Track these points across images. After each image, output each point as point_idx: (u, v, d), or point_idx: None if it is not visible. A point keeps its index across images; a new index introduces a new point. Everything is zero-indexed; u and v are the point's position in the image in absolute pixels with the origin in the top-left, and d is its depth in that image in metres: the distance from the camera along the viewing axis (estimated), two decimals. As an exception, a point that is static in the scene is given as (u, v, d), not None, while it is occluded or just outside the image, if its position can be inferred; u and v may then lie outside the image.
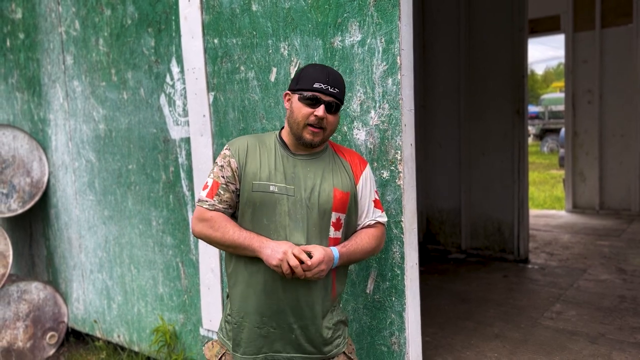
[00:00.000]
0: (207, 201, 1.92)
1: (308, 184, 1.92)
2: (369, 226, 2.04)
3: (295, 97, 1.92)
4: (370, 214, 2.04)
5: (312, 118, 1.87)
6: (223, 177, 1.93)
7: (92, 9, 3.79)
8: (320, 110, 1.87)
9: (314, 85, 1.87)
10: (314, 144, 1.92)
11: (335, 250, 1.89)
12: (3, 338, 4.16)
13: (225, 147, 1.99)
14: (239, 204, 1.94)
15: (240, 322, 1.94)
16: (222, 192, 1.92)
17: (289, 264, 1.78)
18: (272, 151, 1.96)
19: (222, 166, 1.94)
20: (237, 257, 1.95)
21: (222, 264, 3.21)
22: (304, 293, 1.90)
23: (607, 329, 3.79)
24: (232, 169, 1.92)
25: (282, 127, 2.04)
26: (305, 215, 1.89)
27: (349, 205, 1.98)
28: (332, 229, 1.94)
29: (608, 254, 5.82)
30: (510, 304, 4.40)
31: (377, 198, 2.08)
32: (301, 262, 1.79)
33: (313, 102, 1.88)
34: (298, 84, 1.92)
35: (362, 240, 2.00)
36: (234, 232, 1.87)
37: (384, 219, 2.08)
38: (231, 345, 1.98)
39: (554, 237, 6.73)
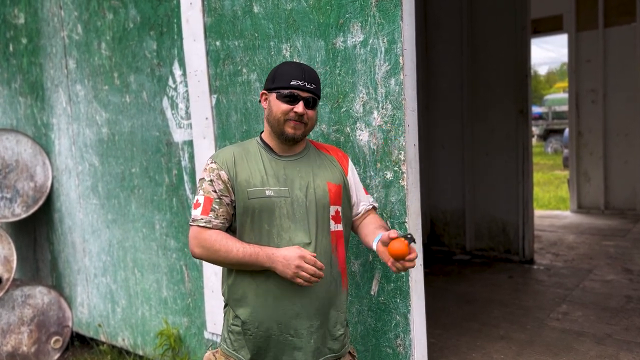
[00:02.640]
0: (202, 219, 1.85)
1: (302, 183, 1.92)
2: (368, 211, 2.12)
3: (273, 95, 1.92)
4: (366, 200, 2.13)
5: (291, 114, 1.89)
6: (215, 191, 1.87)
7: (94, 13, 3.80)
8: (299, 107, 1.88)
9: (291, 83, 1.88)
10: (296, 137, 1.92)
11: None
12: (8, 343, 4.15)
13: (209, 161, 1.93)
14: (236, 215, 1.90)
15: (256, 333, 1.90)
16: (216, 207, 1.86)
17: (307, 272, 1.79)
18: (258, 156, 1.95)
19: (211, 180, 1.88)
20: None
21: (225, 266, 3.21)
22: (314, 291, 1.89)
23: (613, 329, 3.76)
24: (223, 181, 1.88)
25: (262, 132, 2.04)
26: (305, 214, 1.89)
27: (343, 196, 2.01)
28: (332, 222, 1.95)
29: (614, 254, 5.79)
30: (515, 305, 4.38)
31: (363, 185, 2.19)
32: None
33: (291, 99, 1.89)
34: (274, 83, 1.92)
35: (382, 223, 2.06)
36: (237, 250, 1.81)
37: (376, 203, 2.23)
38: (239, 355, 1.93)
39: (559, 238, 6.70)
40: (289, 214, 1.87)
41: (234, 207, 1.90)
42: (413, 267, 1.77)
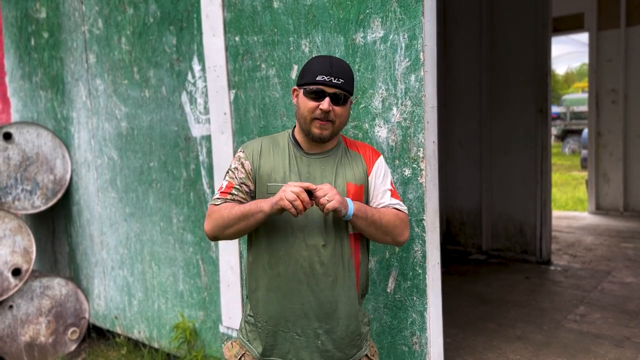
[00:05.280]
0: (219, 199, 1.89)
1: (323, 182, 1.86)
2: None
3: (301, 92, 1.87)
4: (386, 200, 1.94)
5: (317, 112, 1.82)
6: (236, 178, 1.91)
7: (115, 8, 3.83)
8: (325, 103, 1.80)
9: (317, 79, 1.81)
10: (323, 137, 1.87)
11: (349, 200, 1.80)
12: (26, 333, 4.22)
13: (239, 150, 1.97)
14: None
15: (265, 326, 1.92)
16: (235, 192, 1.89)
17: (293, 196, 1.66)
18: (285, 152, 1.93)
19: (235, 168, 1.93)
20: (256, 260, 1.92)
21: (241, 261, 3.22)
22: (327, 295, 1.86)
23: (632, 332, 3.71)
24: (245, 171, 1.90)
25: (295, 126, 2.00)
26: (321, 215, 1.85)
27: (365, 198, 1.93)
28: (350, 225, 1.89)
29: (633, 256, 5.70)
30: (532, 306, 4.33)
31: (393, 189, 1.99)
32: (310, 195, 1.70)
33: (318, 96, 1.82)
34: (303, 79, 1.87)
35: (381, 210, 1.88)
36: (240, 207, 1.81)
37: (404, 208, 1.95)
38: (251, 347, 1.95)
39: (576, 239, 6.61)
40: (306, 212, 1.83)
41: (252, 197, 1.91)
42: (310, 202, 1.68)
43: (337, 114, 1.85)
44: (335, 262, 1.86)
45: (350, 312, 1.92)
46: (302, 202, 1.68)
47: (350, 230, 1.91)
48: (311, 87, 1.83)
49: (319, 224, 1.86)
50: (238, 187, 1.90)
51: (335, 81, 1.81)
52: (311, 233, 1.85)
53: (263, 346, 1.93)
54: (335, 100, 1.83)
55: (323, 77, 1.81)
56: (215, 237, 1.91)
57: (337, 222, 1.87)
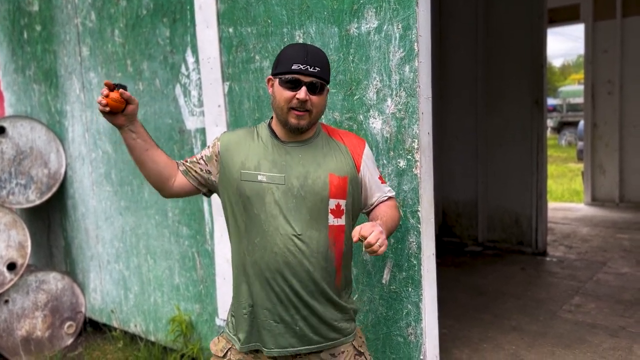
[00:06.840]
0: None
1: (300, 172, 1.84)
2: (382, 202, 2.00)
3: (277, 81, 1.82)
4: (380, 191, 2.00)
5: (294, 101, 1.79)
6: (203, 154, 1.99)
7: (108, 0, 3.79)
8: (301, 93, 1.76)
9: (292, 67, 1.77)
10: (300, 127, 1.84)
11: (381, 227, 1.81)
12: (22, 327, 4.21)
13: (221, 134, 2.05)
14: (229, 194, 1.90)
15: (249, 313, 1.91)
16: (194, 161, 1.98)
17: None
18: (261, 141, 1.91)
19: (208, 147, 2.00)
20: (237, 248, 1.92)
21: (237, 254, 3.21)
22: (302, 284, 1.84)
23: (627, 322, 3.73)
24: (212, 152, 1.96)
25: (272, 117, 1.97)
26: (298, 204, 1.83)
27: (349, 190, 1.90)
28: (331, 216, 1.86)
29: (628, 247, 5.73)
30: (528, 297, 4.35)
31: (380, 174, 2.04)
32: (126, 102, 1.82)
33: (294, 85, 1.78)
34: (277, 68, 1.83)
35: (386, 211, 1.94)
36: None
37: (393, 192, 2.05)
38: (236, 340, 1.95)
39: (572, 230, 6.63)
40: (281, 201, 1.82)
41: (205, 174, 1.98)
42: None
43: (314, 103, 1.81)
44: (311, 252, 1.83)
45: (325, 302, 1.89)
46: (102, 94, 1.76)
47: (332, 222, 1.87)
48: (287, 76, 1.79)
49: (294, 213, 1.83)
50: (197, 159, 1.98)
51: (311, 70, 1.77)
52: (286, 222, 1.82)
53: (245, 336, 1.92)
54: (312, 89, 1.80)
55: (299, 66, 1.77)
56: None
57: (315, 212, 1.84)
